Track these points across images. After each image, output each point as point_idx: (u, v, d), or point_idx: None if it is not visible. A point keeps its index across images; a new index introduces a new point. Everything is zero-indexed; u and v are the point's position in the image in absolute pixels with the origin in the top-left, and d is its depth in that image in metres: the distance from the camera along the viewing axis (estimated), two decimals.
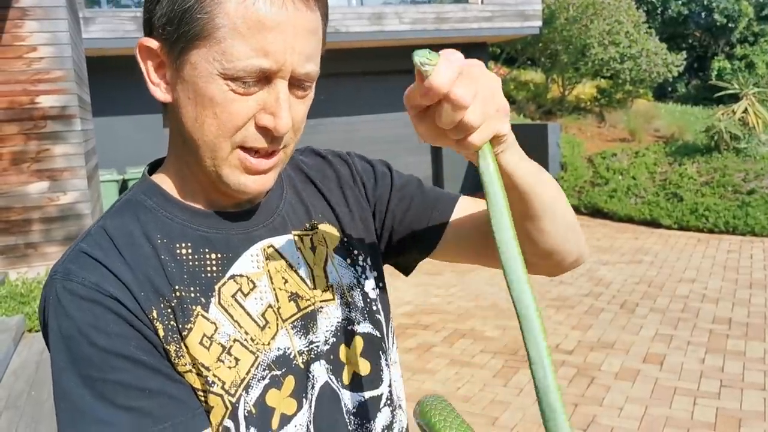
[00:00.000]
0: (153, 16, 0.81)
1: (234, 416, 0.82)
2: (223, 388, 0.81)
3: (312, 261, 0.94)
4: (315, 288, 0.93)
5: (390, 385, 0.99)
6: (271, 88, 0.79)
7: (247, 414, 0.83)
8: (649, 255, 7.98)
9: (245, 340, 0.84)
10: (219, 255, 0.86)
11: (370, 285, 1.00)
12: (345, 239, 0.99)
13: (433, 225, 1.03)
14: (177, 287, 0.81)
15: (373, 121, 12.38)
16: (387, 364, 0.99)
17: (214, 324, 0.82)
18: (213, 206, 0.88)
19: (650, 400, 4.19)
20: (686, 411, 4.02)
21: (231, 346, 0.83)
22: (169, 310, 0.80)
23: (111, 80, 9.36)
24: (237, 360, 0.83)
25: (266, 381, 0.85)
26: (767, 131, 10.68)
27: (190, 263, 0.84)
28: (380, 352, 0.98)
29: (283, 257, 0.91)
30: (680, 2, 21.23)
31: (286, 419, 0.87)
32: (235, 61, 0.76)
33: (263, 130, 0.81)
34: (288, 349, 0.88)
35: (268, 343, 0.86)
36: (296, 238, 0.93)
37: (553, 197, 0.90)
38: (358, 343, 0.95)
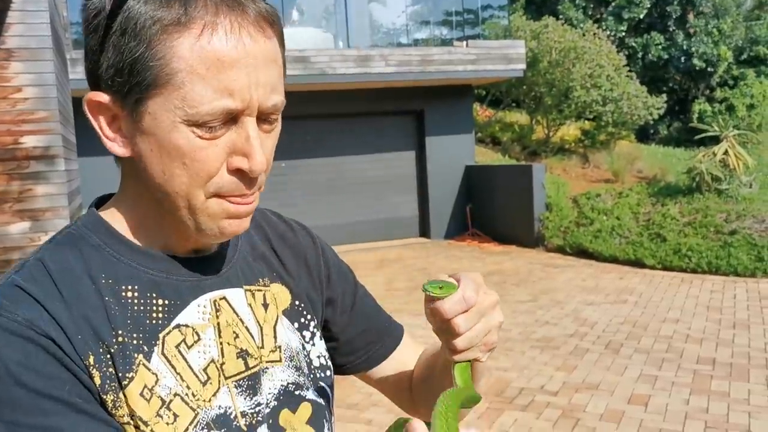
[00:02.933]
0: (98, 68, 0.76)
1: None
2: None
3: (263, 319, 0.89)
4: (263, 347, 0.88)
5: None
6: (239, 128, 0.75)
7: None
8: (634, 295, 8.00)
9: (186, 394, 0.78)
10: (166, 301, 0.80)
11: (315, 353, 0.97)
12: (296, 303, 0.96)
13: (375, 353, 1.09)
14: (120, 332, 0.75)
15: (361, 161, 12.45)
16: None
17: (155, 375, 0.76)
18: (165, 250, 0.83)
19: None
20: None
21: (171, 401, 0.76)
22: (108, 356, 0.73)
23: None
24: (176, 416, 0.76)
25: None
26: (748, 173, 10.84)
27: (135, 308, 0.77)
28: (324, 421, 0.94)
29: (234, 311, 0.86)
30: (660, 47, 21.69)
31: None
32: (199, 106, 0.72)
33: (238, 174, 0.77)
34: (229, 408, 0.82)
35: (209, 400, 0.80)
36: (248, 293, 0.89)
37: None
38: (304, 409, 0.91)
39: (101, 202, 0.87)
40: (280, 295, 0.93)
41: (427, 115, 12.57)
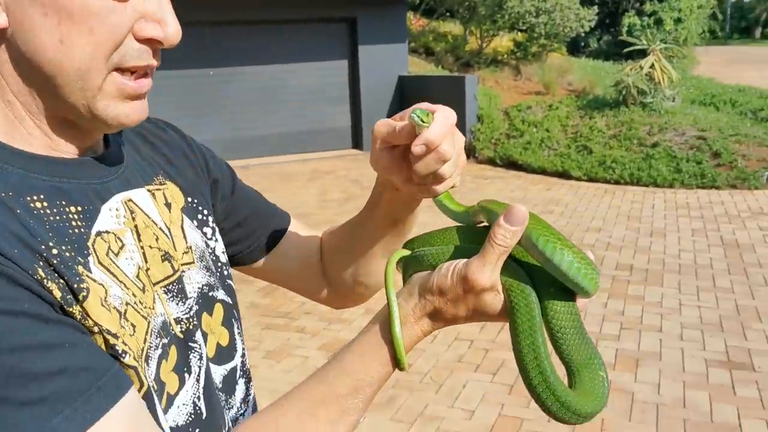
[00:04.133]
0: None
1: (148, 394, 0.70)
2: (134, 358, 0.68)
3: (168, 219, 0.82)
4: (176, 249, 0.82)
5: (243, 356, 0.93)
6: None
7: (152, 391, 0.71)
8: (560, 205, 8.26)
9: (135, 303, 0.71)
10: (79, 208, 0.70)
11: (219, 248, 0.93)
12: (189, 200, 0.89)
13: (267, 238, 1.06)
14: (50, 244, 0.64)
15: (293, 70, 12.12)
16: (239, 333, 0.92)
17: (102, 286, 0.67)
18: (51, 153, 0.71)
19: None
20: None
21: (126, 311, 0.69)
22: (52, 270, 0.63)
23: None
24: (134, 326, 0.69)
25: (159, 351, 0.73)
26: (672, 87, 11.13)
27: (51, 218, 0.66)
28: (233, 320, 0.91)
29: (144, 213, 0.79)
30: None
31: (170, 399, 0.75)
32: None
33: (147, 43, 0.68)
34: (163, 315, 0.75)
35: (153, 308, 0.74)
36: (149, 193, 0.81)
37: None
38: (218, 310, 0.87)
39: None
40: (175, 192, 0.87)
41: (360, 23, 12.26)
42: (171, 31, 0.68)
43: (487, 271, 0.72)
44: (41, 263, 0.62)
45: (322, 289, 1.12)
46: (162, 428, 0.70)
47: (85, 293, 0.65)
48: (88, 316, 0.64)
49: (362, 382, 0.74)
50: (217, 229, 0.93)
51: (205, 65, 11.24)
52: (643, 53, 11.61)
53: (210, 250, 0.90)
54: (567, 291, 0.75)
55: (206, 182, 0.96)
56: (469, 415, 3.58)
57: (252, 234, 1.04)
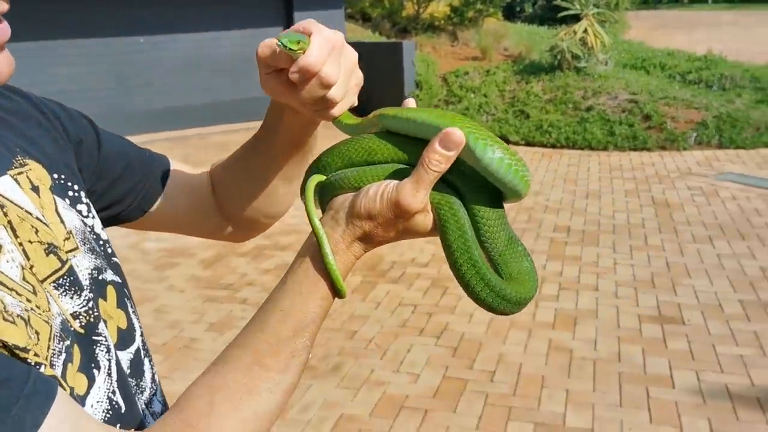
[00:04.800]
0: None
1: None
2: (48, 368, 0.62)
3: (40, 205, 0.73)
4: (57, 238, 0.74)
5: (141, 334, 0.87)
6: None
7: None
8: None
9: (32, 309, 0.63)
10: None
11: (98, 225, 0.85)
12: (55, 176, 0.80)
13: (150, 187, 0.98)
14: None
15: (226, 38, 11.82)
16: (134, 311, 0.86)
17: None
18: None
19: None
20: (528, 314, 4.35)
21: (29, 317, 0.62)
22: None
23: None
24: (38, 334, 0.62)
25: (64, 355, 0.66)
26: (604, 51, 11.34)
27: None
28: (126, 299, 0.84)
29: (16, 204, 0.69)
30: None
31: (81, 400, 0.69)
32: None
33: None
34: (60, 314, 0.68)
35: (49, 309, 0.66)
36: (13, 179, 0.72)
37: None
38: (110, 293, 0.81)
39: None
40: (40, 172, 0.77)
41: None
42: None
43: (420, 195, 0.70)
44: None
45: (221, 226, 1.07)
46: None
47: None
48: None
49: (305, 321, 0.72)
50: (91, 204, 0.85)
51: (134, 33, 10.85)
52: (576, 18, 11.77)
53: (89, 229, 0.82)
54: (494, 196, 0.75)
55: (69, 149, 0.87)
56: (414, 378, 3.64)
57: (133, 189, 0.97)
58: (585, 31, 11.14)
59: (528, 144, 9.74)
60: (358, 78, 0.79)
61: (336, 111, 0.78)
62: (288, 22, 12.28)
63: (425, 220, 0.73)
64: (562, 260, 5.31)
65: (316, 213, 0.77)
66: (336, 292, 0.73)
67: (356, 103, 0.80)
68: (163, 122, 10.71)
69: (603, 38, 11.17)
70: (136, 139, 1.16)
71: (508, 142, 9.87)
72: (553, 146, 9.54)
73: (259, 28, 12.15)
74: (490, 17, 15.68)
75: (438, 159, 0.69)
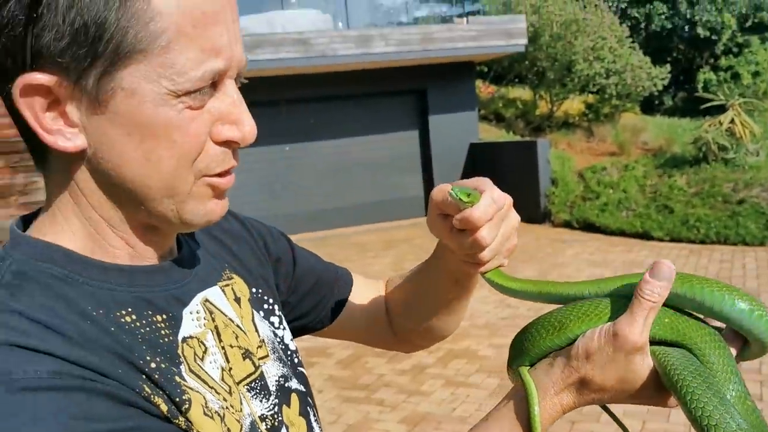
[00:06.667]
0: (40, 39, 0.58)
1: None
2: None
3: (240, 314, 0.81)
4: (252, 345, 0.81)
5: None
6: (221, 93, 0.66)
7: None
8: (642, 268, 7.95)
9: (228, 407, 0.70)
10: (164, 316, 0.70)
11: (288, 336, 0.91)
12: (254, 290, 0.88)
13: (334, 303, 1.06)
14: (147, 358, 0.64)
15: (365, 143, 12.42)
16: (316, 420, 0.89)
17: (199, 393, 0.67)
18: (134, 262, 0.71)
19: None
20: None
21: (224, 415, 0.69)
22: (154, 384, 0.63)
23: None
24: (229, 431, 0.69)
25: None
26: (755, 141, 10.76)
27: (142, 330, 0.66)
28: (308, 408, 0.88)
29: (222, 312, 0.78)
30: (663, 16, 21.47)
31: None
32: (189, 72, 0.61)
33: (225, 145, 0.67)
34: (250, 415, 0.74)
35: (240, 409, 0.72)
36: (221, 290, 0.81)
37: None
38: (294, 401, 0.85)
39: (24, 223, 0.71)
40: (241, 285, 0.86)
41: (430, 93, 12.50)
42: (247, 130, 0.67)
43: (637, 326, 0.70)
44: (144, 378, 0.63)
45: (391, 339, 1.12)
46: None
47: (187, 405, 0.65)
48: (192, 426, 0.65)
49: None
50: (283, 317, 0.92)
51: (280, 142, 11.62)
52: (721, 109, 11.32)
53: (279, 339, 0.88)
54: (717, 339, 0.72)
55: (268, 266, 0.95)
56: None
57: (318, 304, 1.04)
58: (732, 121, 10.67)
59: (673, 240, 9.26)
60: (511, 245, 0.83)
61: (483, 267, 0.83)
62: (423, 126, 12.71)
63: (643, 363, 0.72)
64: None
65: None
66: None
67: (506, 264, 0.84)
68: (306, 224, 11.25)
69: (752, 127, 10.64)
70: None
71: (651, 238, 9.45)
72: (702, 242, 9.00)
73: (397, 132, 12.67)
74: (627, 112, 15.43)
75: (650, 289, 0.71)
